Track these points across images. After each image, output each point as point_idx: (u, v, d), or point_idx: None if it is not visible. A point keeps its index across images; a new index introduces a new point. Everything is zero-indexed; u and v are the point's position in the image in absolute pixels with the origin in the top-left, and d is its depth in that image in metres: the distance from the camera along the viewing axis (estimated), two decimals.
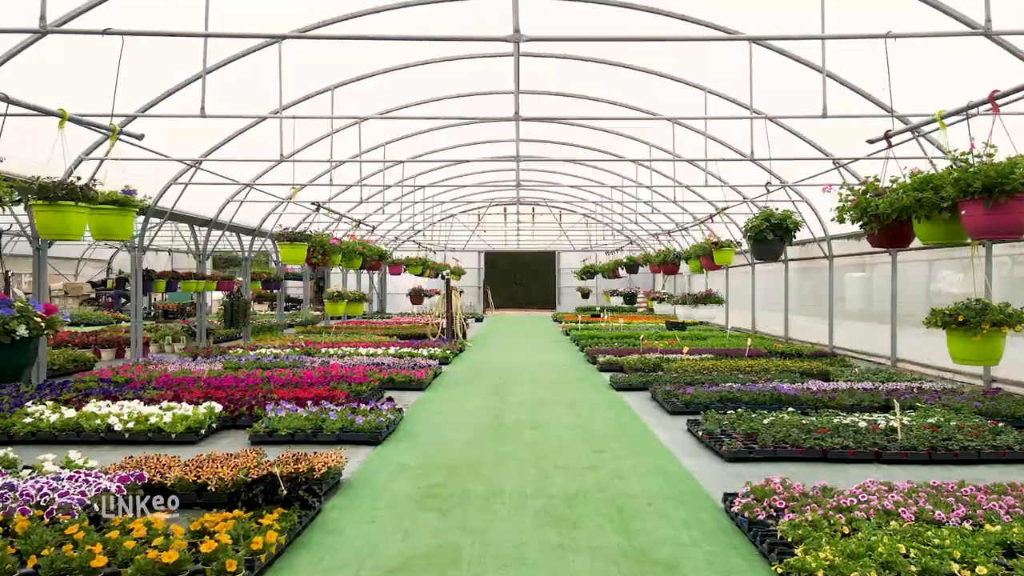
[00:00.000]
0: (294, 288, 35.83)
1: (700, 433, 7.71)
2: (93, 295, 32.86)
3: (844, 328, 16.40)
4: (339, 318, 20.48)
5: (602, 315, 26.97)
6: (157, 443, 7.72)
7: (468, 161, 16.80)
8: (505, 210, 34.05)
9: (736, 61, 8.42)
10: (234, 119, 10.74)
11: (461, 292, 36.46)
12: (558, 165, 18.92)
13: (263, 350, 15.39)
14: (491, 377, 13.13)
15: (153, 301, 31.83)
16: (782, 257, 19.74)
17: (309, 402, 8.62)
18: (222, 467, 5.69)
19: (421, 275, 21.79)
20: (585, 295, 35.66)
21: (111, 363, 14.50)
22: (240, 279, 19.22)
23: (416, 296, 21.64)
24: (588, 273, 31.34)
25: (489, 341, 20.93)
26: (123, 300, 28.85)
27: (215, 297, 27.48)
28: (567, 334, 22.31)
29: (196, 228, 16.86)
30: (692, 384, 10.62)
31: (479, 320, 31.02)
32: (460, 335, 18.98)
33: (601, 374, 13.47)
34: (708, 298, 16.15)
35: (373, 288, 33.60)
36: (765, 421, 7.77)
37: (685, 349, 12.15)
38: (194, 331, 18.63)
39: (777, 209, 9.12)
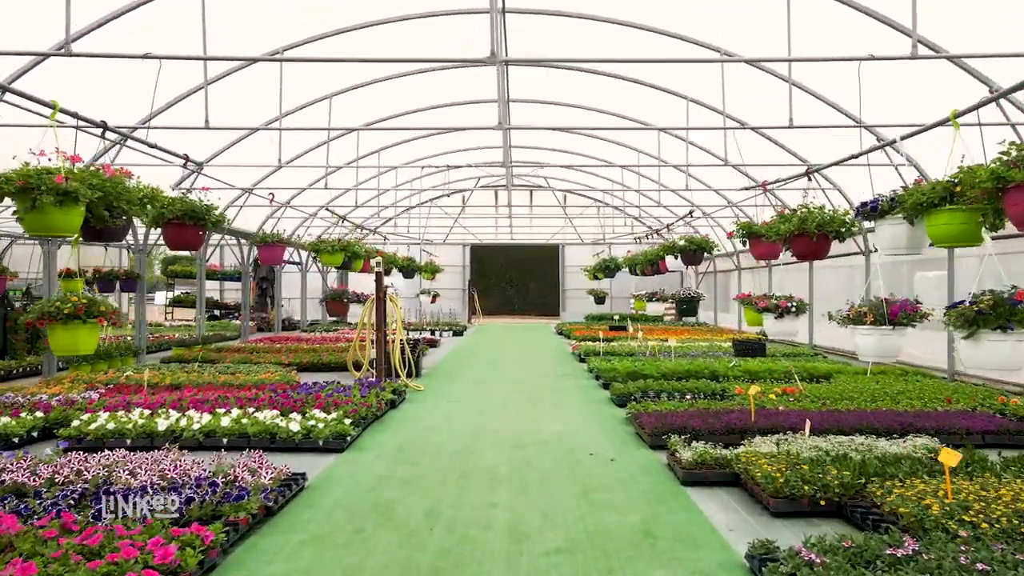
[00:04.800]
0: (232, 290, 28.12)
1: None
2: None
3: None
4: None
5: (629, 327, 19.05)
6: None
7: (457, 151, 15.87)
8: (496, 193, 26.92)
9: None
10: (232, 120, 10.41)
11: (436, 296, 28.59)
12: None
13: None
14: (411, 529, 5.14)
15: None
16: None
17: None
18: None
19: (344, 267, 13.76)
20: (600, 299, 27.64)
21: None
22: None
23: (336, 302, 13.62)
24: (605, 270, 23.38)
25: (458, 375, 12.84)
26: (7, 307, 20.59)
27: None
28: (582, 360, 14.42)
29: None
30: None
31: (459, 333, 23.13)
32: (399, 371, 11.02)
33: (698, 507, 5.42)
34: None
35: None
36: None
37: (953, 460, 4.09)
38: None
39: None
